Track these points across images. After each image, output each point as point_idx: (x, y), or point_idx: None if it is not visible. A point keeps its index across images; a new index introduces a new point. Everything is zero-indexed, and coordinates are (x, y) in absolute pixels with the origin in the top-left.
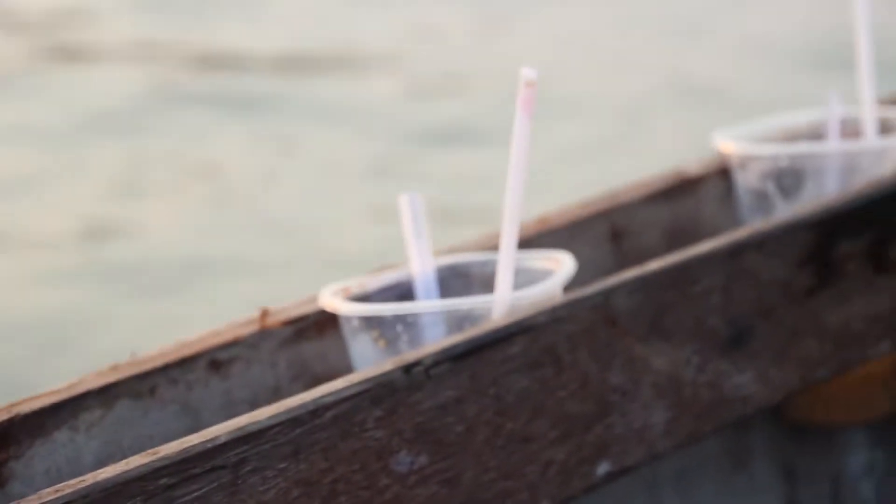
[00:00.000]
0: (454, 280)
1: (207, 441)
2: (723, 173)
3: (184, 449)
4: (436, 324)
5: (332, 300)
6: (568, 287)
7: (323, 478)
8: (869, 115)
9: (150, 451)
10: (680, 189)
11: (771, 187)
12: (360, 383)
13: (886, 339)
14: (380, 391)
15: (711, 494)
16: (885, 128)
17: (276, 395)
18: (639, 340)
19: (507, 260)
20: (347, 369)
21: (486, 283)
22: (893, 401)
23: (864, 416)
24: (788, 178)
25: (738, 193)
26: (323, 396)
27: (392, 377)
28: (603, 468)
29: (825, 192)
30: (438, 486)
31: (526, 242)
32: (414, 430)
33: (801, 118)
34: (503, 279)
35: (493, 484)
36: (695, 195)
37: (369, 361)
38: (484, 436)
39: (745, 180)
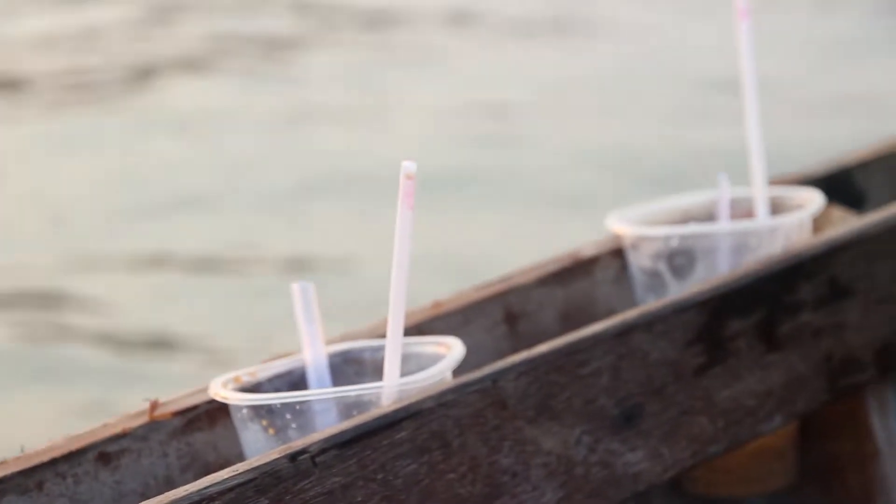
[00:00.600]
0: (347, 367)
1: None
2: (617, 254)
3: None
4: (326, 411)
5: (220, 390)
6: (462, 371)
7: None
8: (760, 194)
9: None
10: (574, 270)
11: (663, 267)
12: (245, 472)
13: (778, 414)
14: (265, 480)
15: None
16: (776, 207)
17: (168, 485)
18: (528, 422)
19: (393, 346)
20: (239, 458)
21: (378, 370)
22: (791, 472)
23: (763, 488)
24: (680, 259)
25: (632, 274)
26: (208, 487)
27: (278, 466)
28: None
29: (717, 271)
30: None
31: (420, 327)
32: None
33: (693, 199)
34: (390, 365)
35: None
36: (590, 276)
37: (260, 450)
38: None
39: (638, 261)
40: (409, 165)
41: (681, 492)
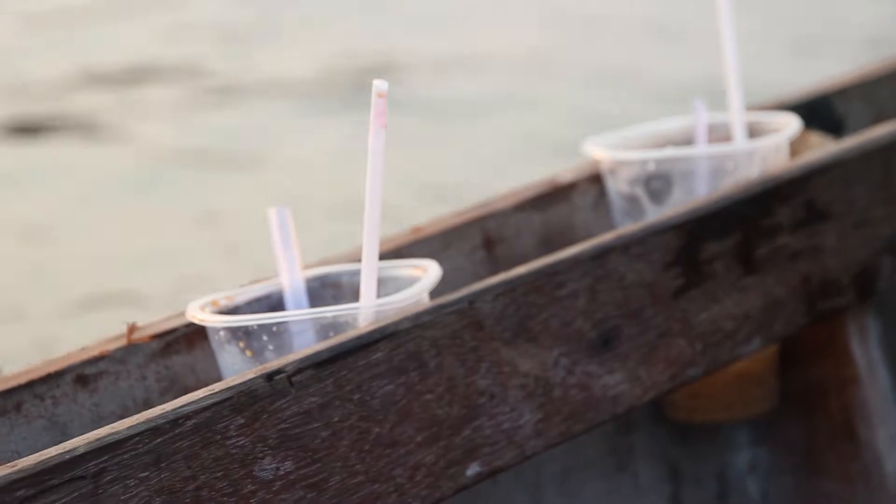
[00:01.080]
0: (325, 291)
1: (66, 452)
2: (595, 180)
3: (42, 461)
4: (303, 333)
5: (197, 313)
6: (441, 295)
7: (186, 485)
8: (737, 119)
9: (8, 464)
10: (553, 196)
11: (640, 192)
12: (220, 392)
13: (756, 337)
14: (242, 399)
15: (595, 495)
16: (753, 132)
17: (147, 407)
18: (505, 344)
19: (369, 268)
20: (218, 381)
21: (356, 293)
22: (772, 398)
23: (744, 413)
24: (657, 183)
25: (610, 199)
26: (183, 406)
27: (254, 385)
28: (472, 469)
29: (694, 195)
30: (304, 491)
31: (399, 252)
32: (278, 436)
33: (671, 124)
34: (366, 287)
35: (360, 487)
36: (568, 202)
37: (237, 372)
38: (350, 441)
39: (616, 186)
40: (380, 84)
41: (663, 418)
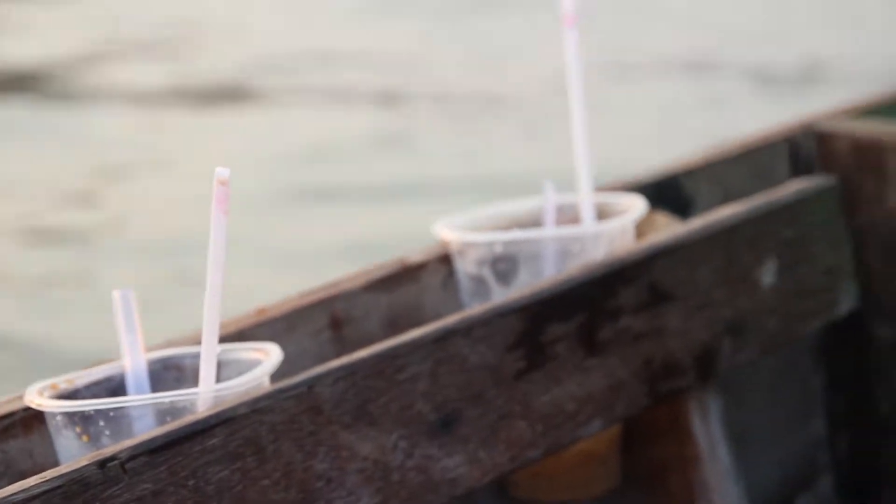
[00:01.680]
0: (167, 373)
1: None
2: (445, 260)
3: None
4: (142, 418)
5: (34, 397)
6: (284, 377)
7: None
8: (585, 201)
9: None
10: (402, 276)
11: (487, 273)
12: (51, 480)
13: (597, 418)
14: (73, 487)
15: None
16: (602, 213)
17: None
18: (344, 428)
19: (208, 353)
20: (55, 467)
21: (198, 376)
22: (615, 477)
23: (587, 493)
24: (504, 264)
25: (458, 280)
26: (13, 494)
27: (86, 472)
28: None
29: (541, 277)
30: None
31: (242, 334)
32: None
33: (520, 206)
34: (206, 371)
35: None
36: (417, 282)
37: (74, 458)
38: None
39: (464, 267)
40: (222, 171)
41: (506, 497)
